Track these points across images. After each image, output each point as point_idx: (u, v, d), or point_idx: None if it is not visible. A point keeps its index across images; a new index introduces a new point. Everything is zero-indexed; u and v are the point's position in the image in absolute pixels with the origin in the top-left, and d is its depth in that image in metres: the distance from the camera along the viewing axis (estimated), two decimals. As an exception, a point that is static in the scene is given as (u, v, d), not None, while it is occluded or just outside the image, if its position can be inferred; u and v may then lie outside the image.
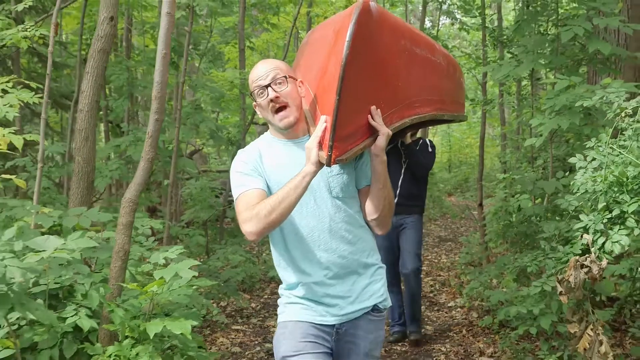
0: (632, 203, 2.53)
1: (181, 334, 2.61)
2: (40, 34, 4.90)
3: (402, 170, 4.77)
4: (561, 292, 2.56)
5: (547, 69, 5.83)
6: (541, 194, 4.75)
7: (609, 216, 2.62)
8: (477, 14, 7.71)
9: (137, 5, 8.73)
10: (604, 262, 2.53)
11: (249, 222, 2.01)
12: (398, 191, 4.73)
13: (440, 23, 15.11)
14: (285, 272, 2.24)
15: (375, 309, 2.24)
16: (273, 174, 2.16)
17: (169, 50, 2.76)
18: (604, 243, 2.55)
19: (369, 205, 2.21)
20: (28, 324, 2.62)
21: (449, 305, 6.16)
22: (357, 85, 1.97)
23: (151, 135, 2.81)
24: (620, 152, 2.64)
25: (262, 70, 2.13)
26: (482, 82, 7.47)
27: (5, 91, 4.66)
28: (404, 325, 5.03)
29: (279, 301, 2.30)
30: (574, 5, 4.83)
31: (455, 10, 13.10)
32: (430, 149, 4.78)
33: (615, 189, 2.62)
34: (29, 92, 4.73)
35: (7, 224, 2.48)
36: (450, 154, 21.88)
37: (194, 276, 2.73)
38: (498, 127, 15.03)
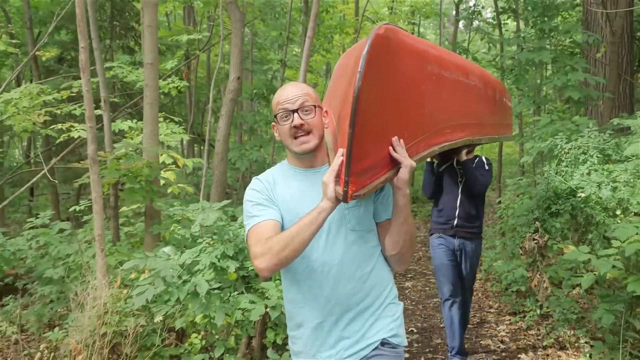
0: (562, 204, 4.53)
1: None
2: (185, 85, 7.13)
3: (459, 191, 4.45)
4: (521, 253, 4.58)
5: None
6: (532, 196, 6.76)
7: (550, 211, 4.63)
8: (493, 59, 9.58)
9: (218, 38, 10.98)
10: (546, 237, 4.53)
11: (261, 258, 1.89)
12: (457, 212, 4.44)
13: (471, 36, 16.28)
14: (291, 306, 2.14)
15: (384, 343, 2.07)
16: (287, 204, 2.06)
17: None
18: (546, 226, 4.57)
19: (388, 241, 2.08)
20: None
21: (471, 278, 8.17)
22: (374, 116, 1.83)
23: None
24: (556, 176, 4.64)
25: (291, 94, 2.03)
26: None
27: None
28: (466, 354, 4.68)
29: (289, 344, 2.25)
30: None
31: (486, 24, 14.61)
32: (487, 167, 4.46)
33: (554, 196, 4.63)
34: (174, 125, 6.94)
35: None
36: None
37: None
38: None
